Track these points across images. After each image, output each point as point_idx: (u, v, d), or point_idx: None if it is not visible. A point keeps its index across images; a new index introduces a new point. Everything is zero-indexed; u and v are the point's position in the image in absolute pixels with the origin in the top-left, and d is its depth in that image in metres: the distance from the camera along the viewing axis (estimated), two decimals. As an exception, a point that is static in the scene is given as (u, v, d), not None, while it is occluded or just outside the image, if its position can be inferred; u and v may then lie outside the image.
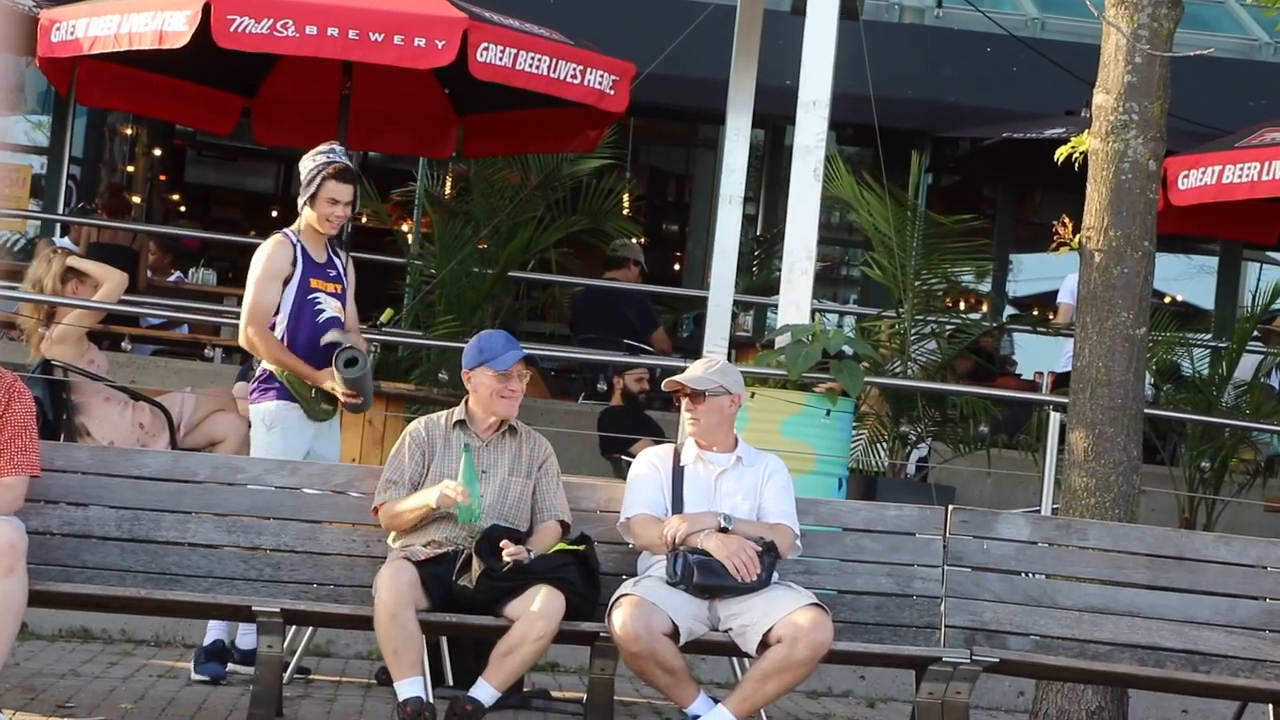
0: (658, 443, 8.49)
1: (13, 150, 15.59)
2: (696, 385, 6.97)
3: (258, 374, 7.77)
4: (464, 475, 6.68)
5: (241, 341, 7.82)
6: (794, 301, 9.12)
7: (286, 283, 7.66)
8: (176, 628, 8.56)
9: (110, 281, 9.76)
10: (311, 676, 8.03)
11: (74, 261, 9.91)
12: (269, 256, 7.68)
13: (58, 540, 6.85)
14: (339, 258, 7.83)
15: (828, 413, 8.78)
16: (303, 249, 7.69)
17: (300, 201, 7.72)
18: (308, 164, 7.69)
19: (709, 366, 7.07)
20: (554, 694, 7.92)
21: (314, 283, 7.68)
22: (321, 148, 7.72)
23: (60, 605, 7.34)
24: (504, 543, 6.61)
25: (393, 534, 6.86)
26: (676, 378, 7.04)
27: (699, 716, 6.61)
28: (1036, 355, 14.74)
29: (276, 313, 7.67)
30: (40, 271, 9.76)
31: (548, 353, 11.82)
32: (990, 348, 13.41)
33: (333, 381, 7.55)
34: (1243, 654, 7.09)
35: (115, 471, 6.98)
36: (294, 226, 7.79)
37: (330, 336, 7.60)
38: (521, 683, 7.46)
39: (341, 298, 7.75)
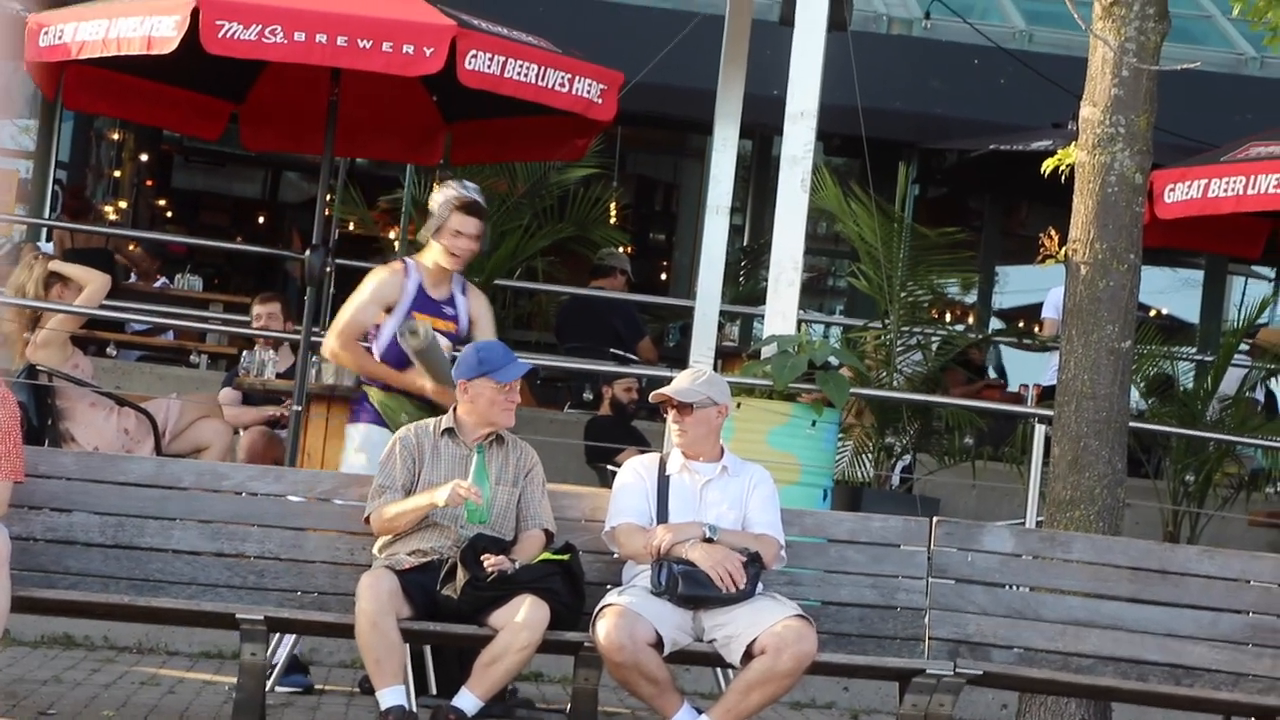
0: (643, 453, 8.48)
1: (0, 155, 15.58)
2: (684, 397, 6.97)
3: (357, 395, 7.87)
4: (475, 475, 6.70)
5: (325, 352, 7.92)
6: (780, 312, 9.13)
7: (391, 311, 7.74)
8: (159, 634, 8.54)
9: (93, 284, 9.75)
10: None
11: (56, 266, 9.91)
12: (378, 283, 7.80)
13: (41, 546, 6.84)
14: (463, 298, 7.88)
15: (813, 423, 8.79)
16: (420, 281, 7.77)
17: (427, 234, 7.81)
18: (437, 198, 7.81)
19: (696, 378, 7.07)
20: (538, 704, 7.91)
21: (419, 316, 7.73)
22: (451, 183, 7.87)
23: (43, 611, 7.31)
24: (485, 555, 6.61)
25: (378, 544, 6.85)
26: (663, 390, 7.04)
27: (683, 727, 6.61)
28: (1021, 367, 14.76)
29: (370, 338, 7.76)
30: (23, 277, 9.74)
31: (534, 361, 11.80)
32: (978, 360, 13.42)
33: (421, 380, 7.59)
34: (1226, 668, 7.10)
35: (100, 477, 6.97)
36: (415, 257, 7.88)
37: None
38: (505, 692, 7.45)
39: (453, 337, 7.76)
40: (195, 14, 8.43)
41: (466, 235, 7.76)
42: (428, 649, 7.56)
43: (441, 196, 7.81)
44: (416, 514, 6.76)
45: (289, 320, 10.32)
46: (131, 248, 14.54)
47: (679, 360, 11.28)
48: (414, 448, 6.92)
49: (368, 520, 6.85)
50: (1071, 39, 13.82)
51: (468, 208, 7.76)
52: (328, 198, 10.03)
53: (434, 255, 7.81)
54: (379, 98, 9.81)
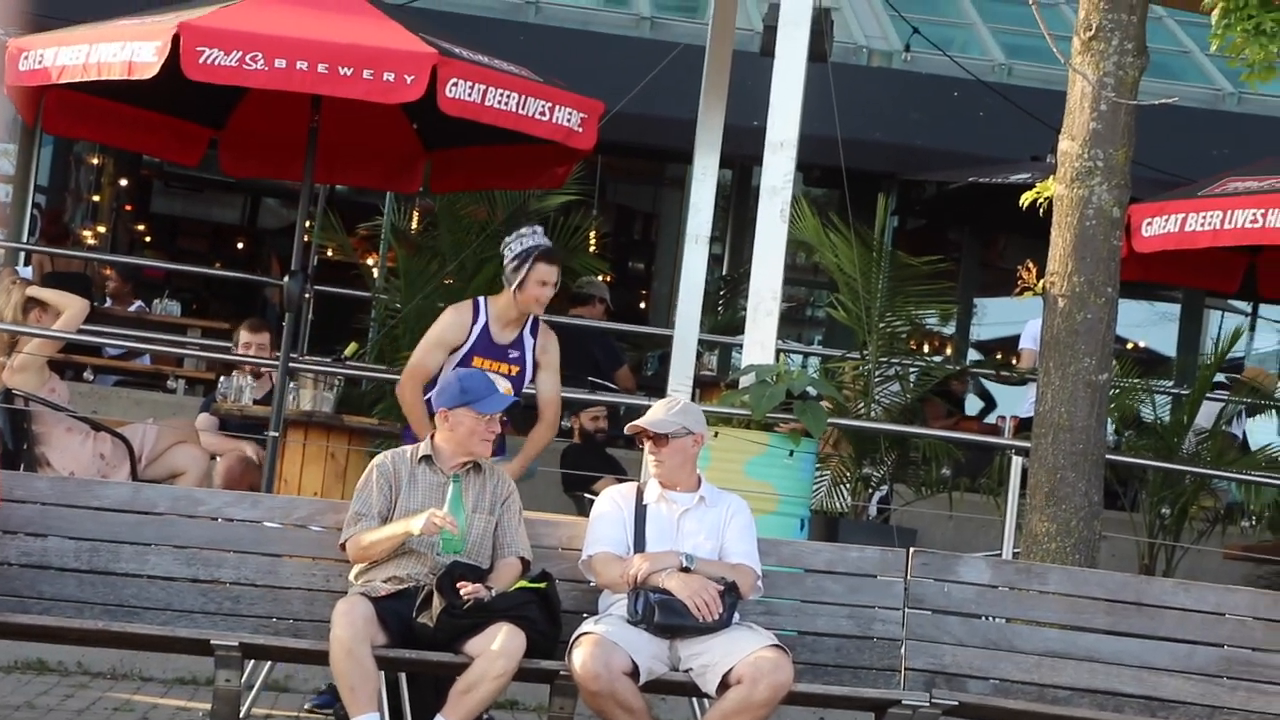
0: (620, 481, 8.47)
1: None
2: (659, 428, 6.97)
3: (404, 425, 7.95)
4: (450, 505, 6.69)
5: (398, 390, 7.96)
6: (759, 341, 9.14)
7: (456, 352, 7.79)
8: (134, 660, 8.50)
9: (71, 309, 9.73)
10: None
11: (34, 291, 9.89)
12: (444, 326, 7.88)
13: (15, 571, 6.81)
14: (532, 339, 7.90)
15: (791, 453, 8.79)
16: (485, 324, 7.81)
17: (508, 284, 7.81)
18: (514, 248, 7.81)
19: (670, 408, 7.07)
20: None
21: (479, 360, 7.77)
22: (522, 230, 7.89)
23: (16, 636, 7.27)
24: (461, 583, 6.60)
25: (354, 570, 6.84)
26: (638, 422, 7.04)
27: (658, 756, 6.60)
28: (999, 399, 14.78)
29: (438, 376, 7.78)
30: (4, 303, 9.73)
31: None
32: (959, 391, 13.44)
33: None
34: (1200, 700, 7.11)
35: (75, 502, 6.94)
36: (490, 297, 7.93)
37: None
38: (480, 720, 7.43)
39: (515, 381, 7.75)
40: (176, 40, 8.43)
41: (550, 284, 7.82)
42: (403, 676, 7.54)
43: (519, 246, 7.81)
44: (392, 542, 6.75)
45: (274, 350, 10.30)
46: (106, 271, 14.54)
47: (658, 389, 11.28)
48: (391, 475, 6.91)
49: (343, 547, 6.84)
50: (1051, 73, 13.87)
51: (549, 256, 7.81)
52: (307, 224, 10.05)
53: (512, 302, 7.82)
54: (359, 125, 9.82)
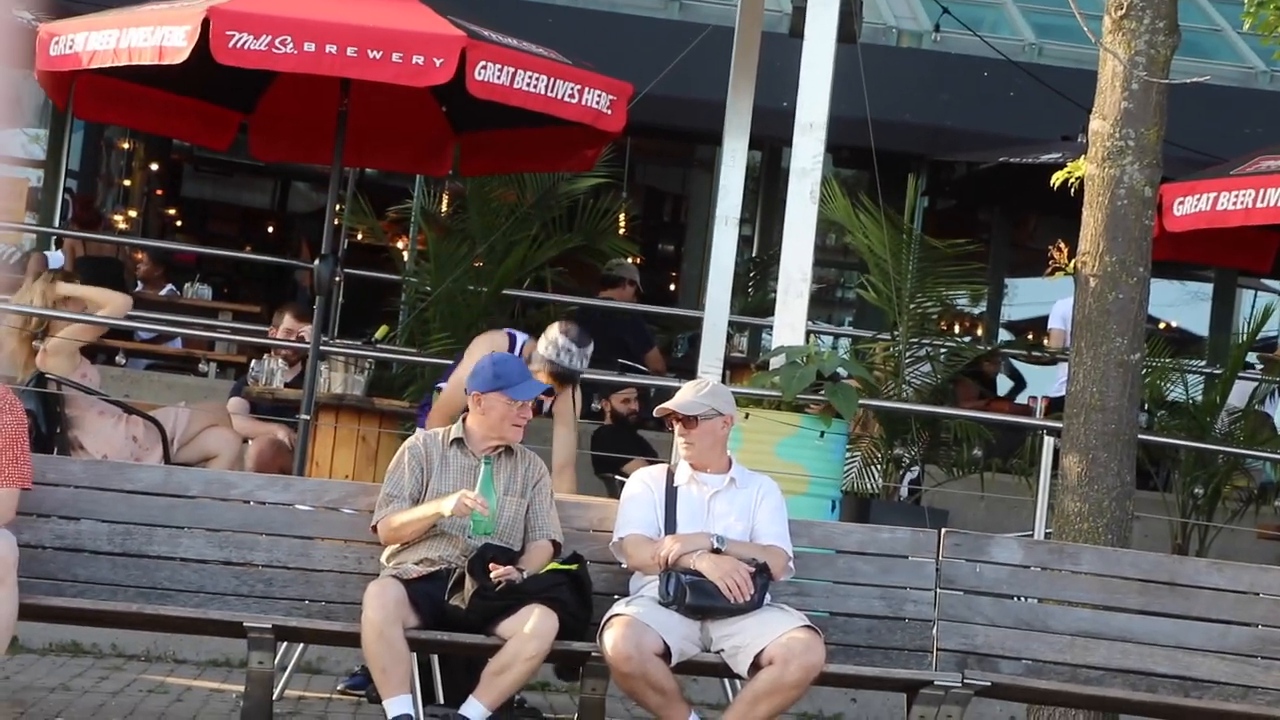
0: (651, 462, 8.46)
1: (10, 164, 15.60)
2: (688, 410, 6.97)
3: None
4: (482, 487, 6.71)
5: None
6: (789, 323, 9.14)
7: None
8: (167, 643, 8.55)
9: (112, 304, 9.76)
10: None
11: (67, 289, 9.80)
12: (477, 359, 7.66)
13: (49, 554, 6.85)
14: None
15: (821, 434, 8.79)
16: (518, 357, 7.72)
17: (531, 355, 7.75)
18: (549, 350, 7.70)
19: (699, 390, 7.07)
20: (545, 714, 7.91)
21: None
22: (562, 341, 7.72)
23: (51, 619, 7.33)
24: (492, 565, 6.61)
25: (386, 552, 6.86)
26: (667, 404, 7.04)
27: (690, 737, 6.61)
28: (1029, 379, 14.75)
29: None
30: (27, 299, 9.72)
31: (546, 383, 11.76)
32: (991, 372, 13.41)
33: None
34: (1234, 680, 7.10)
35: (108, 485, 6.98)
36: (526, 342, 7.86)
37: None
38: (512, 702, 7.45)
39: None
40: (206, 24, 8.44)
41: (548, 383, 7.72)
42: (434, 658, 7.56)
43: (544, 350, 7.70)
44: (423, 523, 6.77)
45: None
46: (137, 256, 14.58)
47: (688, 371, 11.28)
48: (422, 457, 6.92)
49: (375, 529, 6.86)
50: (1081, 52, 13.82)
51: (560, 377, 7.74)
52: (337, 207, 10.07)
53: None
54: (389, 108, 9.82)
